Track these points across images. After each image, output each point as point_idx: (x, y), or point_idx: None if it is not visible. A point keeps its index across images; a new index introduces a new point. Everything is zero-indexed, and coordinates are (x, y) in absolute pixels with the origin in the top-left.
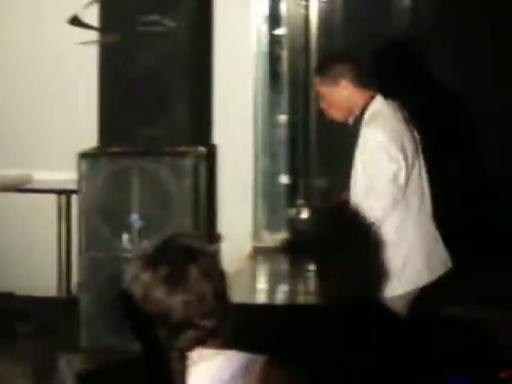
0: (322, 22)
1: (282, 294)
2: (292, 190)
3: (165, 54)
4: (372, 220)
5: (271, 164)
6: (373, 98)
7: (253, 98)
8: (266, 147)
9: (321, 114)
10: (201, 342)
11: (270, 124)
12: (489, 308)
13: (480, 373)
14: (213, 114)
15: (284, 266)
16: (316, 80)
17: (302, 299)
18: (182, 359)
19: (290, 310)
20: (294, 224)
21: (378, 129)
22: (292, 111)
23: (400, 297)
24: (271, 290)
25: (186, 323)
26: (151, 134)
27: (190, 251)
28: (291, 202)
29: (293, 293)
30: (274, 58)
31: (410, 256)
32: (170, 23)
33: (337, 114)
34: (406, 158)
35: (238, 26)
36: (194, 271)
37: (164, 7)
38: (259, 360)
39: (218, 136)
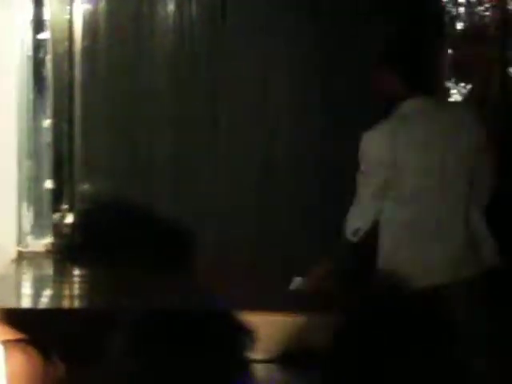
0: (86, 25)
1: (46, 299)
2: (56, 195)
3: None
4: None
5: (35, 168)
6: None
7: (16, 102)
8: (30, 151)
9: (85, 118)
10: None
11: (34, 128)
12: None
13: None
14: None
15: (49, 270)
16: None
17: (66, 303)
18: None
19: (55, 315)
20: (58, 229)
21: None
22: (56, 115)
23: None
24: (36, 295)
25: None
26: None
27: None
28: (56, 207)
29: (57, 297)
30: (38, 63)
31: None
32: None
33: None
34: None
35: (1, 29)
36: None
37: None
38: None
39: None
